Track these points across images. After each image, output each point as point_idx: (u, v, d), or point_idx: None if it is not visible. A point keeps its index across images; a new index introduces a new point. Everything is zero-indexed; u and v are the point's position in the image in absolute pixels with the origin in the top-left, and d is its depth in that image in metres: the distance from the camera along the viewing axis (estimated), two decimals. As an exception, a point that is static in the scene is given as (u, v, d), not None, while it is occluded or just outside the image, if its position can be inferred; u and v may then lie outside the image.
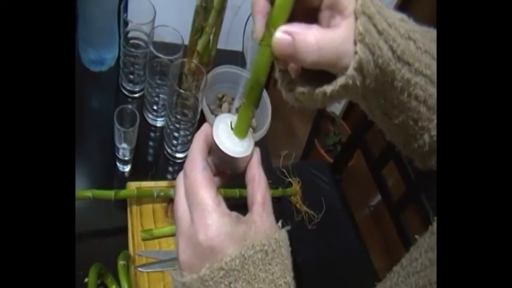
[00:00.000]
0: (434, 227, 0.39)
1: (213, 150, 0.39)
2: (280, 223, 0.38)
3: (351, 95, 0.37)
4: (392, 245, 1.64)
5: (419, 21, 0.39)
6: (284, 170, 0.89)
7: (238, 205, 0.40)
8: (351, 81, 0.34)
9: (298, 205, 0.88)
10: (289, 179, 0.89)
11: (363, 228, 1.28)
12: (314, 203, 0.92)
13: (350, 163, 1.32)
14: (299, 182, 0.89)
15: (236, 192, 0.76)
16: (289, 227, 0.38)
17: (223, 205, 0.36)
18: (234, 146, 0.39)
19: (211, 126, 0.40)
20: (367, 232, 1.48)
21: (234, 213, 0.37)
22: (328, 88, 0.35)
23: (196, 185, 0.36)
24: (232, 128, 0.40)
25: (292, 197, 0.89)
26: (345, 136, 1.73)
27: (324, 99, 0.36)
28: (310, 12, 0.36)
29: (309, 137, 1.73)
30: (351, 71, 0.34)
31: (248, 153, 0.39)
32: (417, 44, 0.37)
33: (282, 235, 0.37)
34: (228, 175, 0.42)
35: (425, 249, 0.38)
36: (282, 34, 0.34)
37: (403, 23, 0.37)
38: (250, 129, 0.40)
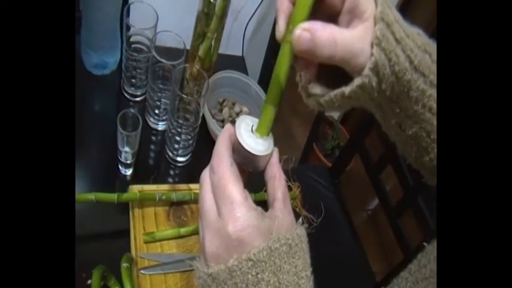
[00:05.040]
0: None
1: (235, 148, 0.41)
2: (300, 219, 0.40)
3: (367, 98, 0.38)
4: (390, 249, 1.65)
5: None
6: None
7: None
8: (367, 81, 0.35)
9: (297, 209, 0.89)
10: (289, 183, 0.90)
11: (360, 232, 1.29)
12: (312, 207, 0.92)
13: (348, 167, 1.32)
14: (299, 187, 0.90)
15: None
16: (306, 225, 0.40)
17: (250, 199, 0.38)
18: (256, 144, 0.41)
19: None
20: (365, 236, 1.49)
21: (260, 208, 0.38)
22: (346, 89, 0.36)
23: (225, 179, 0.38)
24: (252, 129, 0.41)
25: (291, 201, 0.89)
26: (343, 140, 1.74)
27: (343, 101, 0.37)
28: (330, 18, 0.38)
29: (308, 141, 1.73)
30: (366, 71, 0.35)
31: (269, 151, 0.41)
32: (432, 57, 0.38)
33: (302, 231, 0.39)
34: (248, 174, 0.44)
35: (434, 256, 0.39)
36: (301, 31, 0.35)
37: (419, 36, 0.38)
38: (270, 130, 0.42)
